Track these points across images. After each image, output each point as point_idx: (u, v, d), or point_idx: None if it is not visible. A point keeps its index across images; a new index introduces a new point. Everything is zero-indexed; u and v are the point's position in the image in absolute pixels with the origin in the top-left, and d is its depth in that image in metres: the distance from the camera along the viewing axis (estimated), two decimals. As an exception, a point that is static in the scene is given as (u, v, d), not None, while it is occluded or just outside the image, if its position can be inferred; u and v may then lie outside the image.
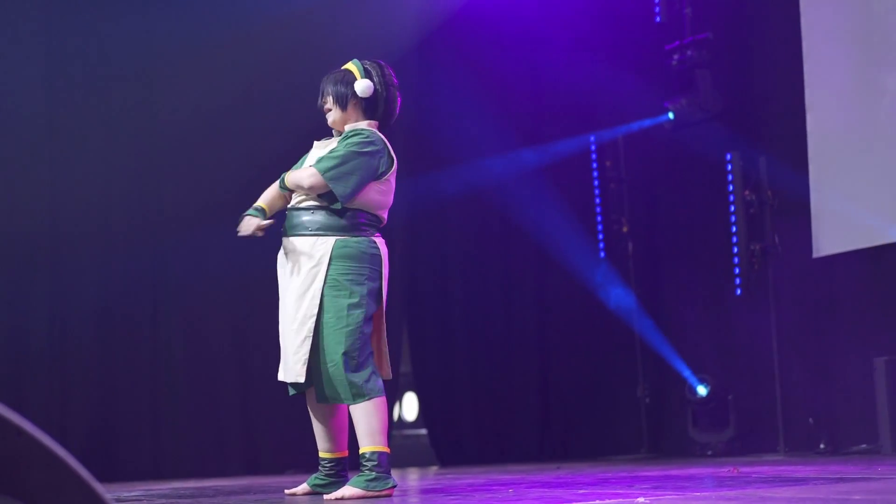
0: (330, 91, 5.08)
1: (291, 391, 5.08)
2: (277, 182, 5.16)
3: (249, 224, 4.99)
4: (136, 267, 8.59)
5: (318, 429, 5.14)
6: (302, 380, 4.81)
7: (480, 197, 9.89)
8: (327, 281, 4.83)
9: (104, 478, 7.49)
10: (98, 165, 8.63)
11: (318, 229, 4.90)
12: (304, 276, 4.86)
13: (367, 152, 4.92)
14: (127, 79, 8.77)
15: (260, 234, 4.98)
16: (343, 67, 5.16)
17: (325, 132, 5.31)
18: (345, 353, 4.78)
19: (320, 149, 5.13)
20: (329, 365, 4.78)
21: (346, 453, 5.18)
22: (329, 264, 4.84)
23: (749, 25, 9.28)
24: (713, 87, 9.12)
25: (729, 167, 8.85)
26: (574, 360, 10.17)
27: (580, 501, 3.99)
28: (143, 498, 5.61)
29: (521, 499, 4.27)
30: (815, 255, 8.41)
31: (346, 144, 4.93)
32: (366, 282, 4.88)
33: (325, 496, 4.81)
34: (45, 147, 8.51)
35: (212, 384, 8.80)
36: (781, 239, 8.63)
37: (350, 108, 5.08)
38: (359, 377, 4.78)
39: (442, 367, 9.95)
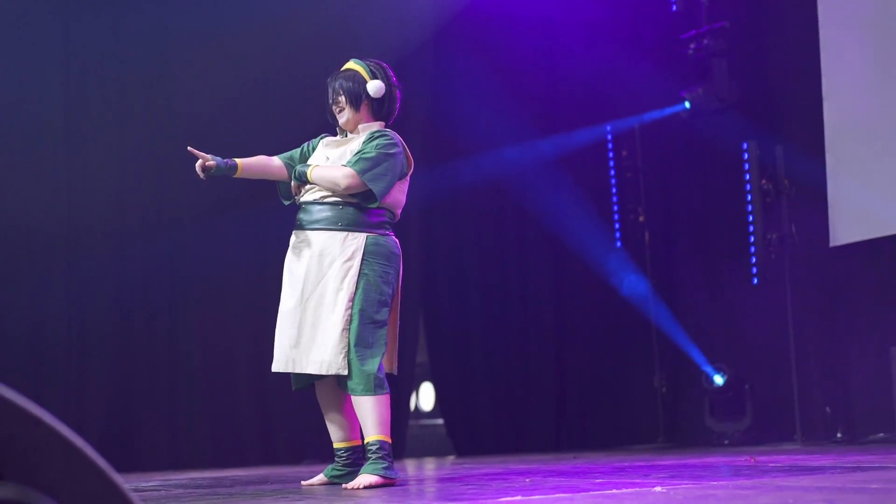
0: (343, 90, 5.14)
1: (296, 385, 5.13)
2: (287, 168, 5.21)
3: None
4: (152, 260, 8.62)
5: (331, 419, 5.21)
6: (345, 372, 4.88)
7: (496, 187, 9.89)
8: (360, 276, 4.93)
9: (122, 468, 7.52)
10: (114, 160, 8.65)
11: (348, 225, 5.00)
12: (338, 269, 4.96)
13: (393, 153, 5.03)
14: (142, 74, 8.78)
15: (200, 173, 5.28)
16: (347, 67, 5.23)
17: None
18: (369, 348, 4.91)
19: (332, 147, 5.21)
20: (355, 356, 4.86)
21: (359, 441, 5.24)
22: (362, 260, 4.94)
23: (766, 14, 9.26)
24: (729, 76, 9.10)
25: (745, 156, 8.83)
26: (590, 349, 10.17)
27: (597, 490, 3.99)
28: (160, 488, 5.63)
29: (538, 488, 4.28)
30: (832, 243, 8.39)
31: (376, 146, 5.02)
32: (391, 280, 5.04)
33: (344, 485, 4.85)
34: (61, 142, 8.53)
35: (229, 375, 8.82)
36: (798, 228, 8.61)
37: (362, 108, 5.16)
38: (381, 371, 4.93)
39: (458, 356, 9.96)
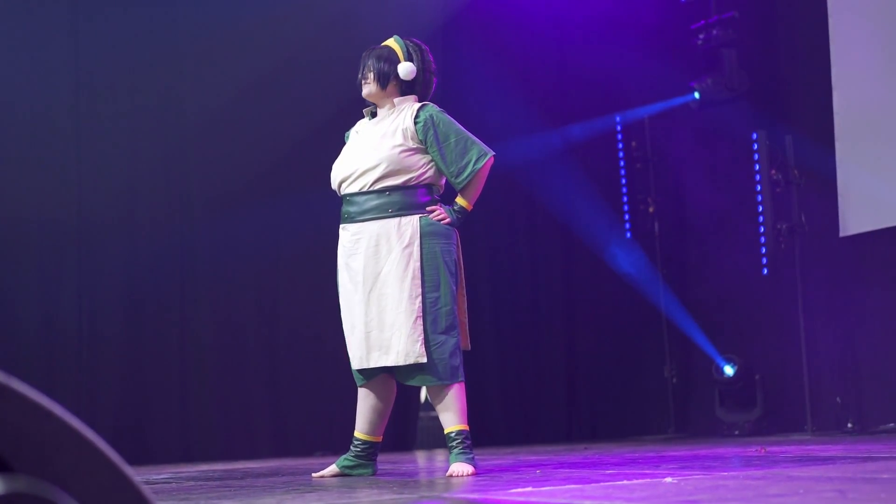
0: (373, 67, 5.12)
1: (362, 381, 5.11)
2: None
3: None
4: (163, 252, 8.63)
5: (368, 410, 5.16)
6: (424, 360, 4.88)
7: (506, 178, 9.86)
8: (423, 260, 4.92)
9: (133, 461, 7.54)
10: (124, 151, 8.66)
11: (399, 210, 4.99)
12: (399, 256, 4.93)
13: (451, 120, 5.15)
14: (152, 66, 8.79)
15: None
16: (385, 44, 5.21)
17: (349, 113, 5.36)
18: (446, 334, 4.92)
19: (370, 126, 5.17)
20: (434, 344, 4.89)
21: (380, 440, 5.24)
22: (421, 243, 4.93)
23: (775, 4, 9.24)
24: (739, 66, 9.09)
25: (755, 146, 8.82)
26: (601, 340, 10.16)
27: (607, 482, 3.99)
28: (172, 480, 5.64)
29: (549, 479, 4.28)
30: (842, 233, 8.38)
31: (440, 123, 5.07)
32: (454, 257, 5.04)
33: (451, 473, 4.81)
34: (71, 134, 8.54)
35: (240, 367, 8.83)
36: (808, 218, 8.59)
37: (390, 86, 5.15)
38: (457, 359, 4.95)
39: (469, 348, 9.95)
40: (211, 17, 8.80)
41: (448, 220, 5.04)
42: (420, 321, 4.87)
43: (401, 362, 4.90)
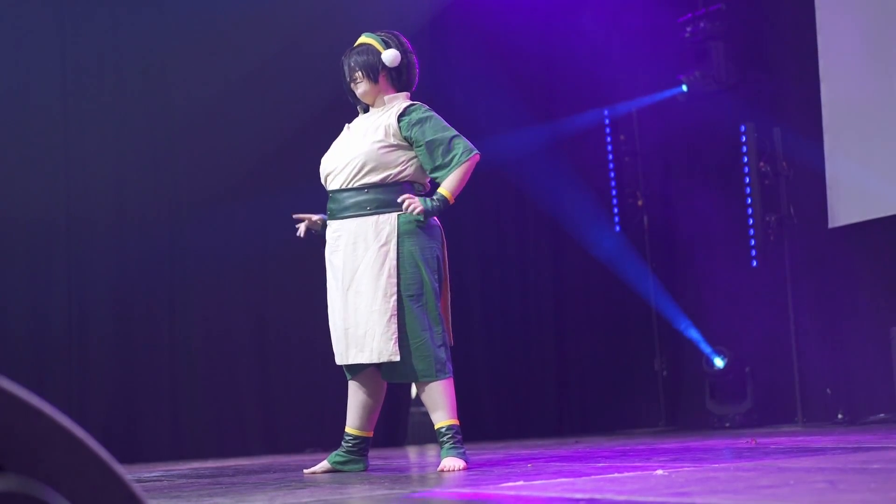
0: (359, 65, 5.11)
1: (350, 374, 5.12)
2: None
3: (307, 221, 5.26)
4: (153, 250, 8.61)
5: (357, 406, 5.18)
6: (397, 358, 4.87)
7: (495, 173, 9.86)
8: (400, 257, 4.91)
9: (124, 459, 7.52)
10: (113, 149, 8.63)
11: (377, 207, 4.98)
12: (375, 255, 4.92)
13: (433, 115, 5.12)
14: (140, 63, 8.76)
15: (303, 233, 5.27)
16: (359, 42, 5.21)
17: (338, 111, 5.34)
18: (427, 331, 4.91)
19: (358, 125, 5.16)
20: (416, 341, 4.88)
21: (371, 434, 5.25)
22: (398, 240, 4.91)
23: (762, -4, 9.26)
24: (726, 59, 9.09)
25: (743, 139, 8.83)
26: (591, 334, 10.16)
27: (599, 474, 3.99)
28: (163, 478, 5.63)
29: (540, 473, 4.28)
30: (831, 225, 8.39)
31: (426, 120, 5.05)
32: (436, 254, 5.02)
33: (443, 468, 4.82)
34: (59, 132, 8.51)
35: (231, 364, 8.82)
36: (797, 210, 8.61)
37: (381, 79, 5.15)
38: (443, 352, 4.95)
39: (459, 343, 9.92)
40: (198, 15, 8.78)
41: (420, 208, 4.93)
42: (394, 319, 4.86)
43: (374, 360, 4.92)
